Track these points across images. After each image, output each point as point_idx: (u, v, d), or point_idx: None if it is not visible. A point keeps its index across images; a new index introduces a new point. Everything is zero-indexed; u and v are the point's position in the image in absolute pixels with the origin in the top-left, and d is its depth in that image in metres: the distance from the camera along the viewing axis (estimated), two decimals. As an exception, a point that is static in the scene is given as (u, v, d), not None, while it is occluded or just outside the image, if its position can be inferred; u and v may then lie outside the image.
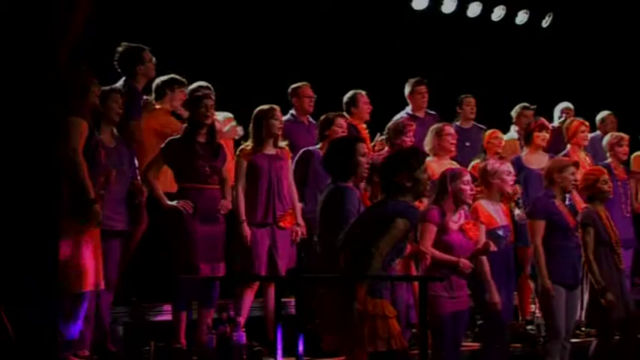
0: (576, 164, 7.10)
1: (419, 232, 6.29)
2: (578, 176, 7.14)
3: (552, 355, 6.75)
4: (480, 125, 9.18)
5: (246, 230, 6.88)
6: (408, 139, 7.47)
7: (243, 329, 6.62)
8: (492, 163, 6.90)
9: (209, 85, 7.31)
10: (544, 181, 7.03)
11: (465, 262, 6.26)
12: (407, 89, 8.86)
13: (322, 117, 7.43)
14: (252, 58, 9.11)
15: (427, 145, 7.78)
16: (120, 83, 6.92)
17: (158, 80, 7.39)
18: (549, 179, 6.94)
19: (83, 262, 5.89)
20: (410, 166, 5.28)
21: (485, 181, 6.79)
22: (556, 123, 9.25)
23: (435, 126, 7.90)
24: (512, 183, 6.84)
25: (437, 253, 6.22)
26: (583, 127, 8.53)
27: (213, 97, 6.94)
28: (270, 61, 9.16)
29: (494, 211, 6.70)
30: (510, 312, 7.04)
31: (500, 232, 6.64)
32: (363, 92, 8.39)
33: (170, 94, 7.37)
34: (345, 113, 8.07)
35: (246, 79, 8.44)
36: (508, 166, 6.86)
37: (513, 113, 9.19)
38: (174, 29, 8.63)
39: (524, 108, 9.13)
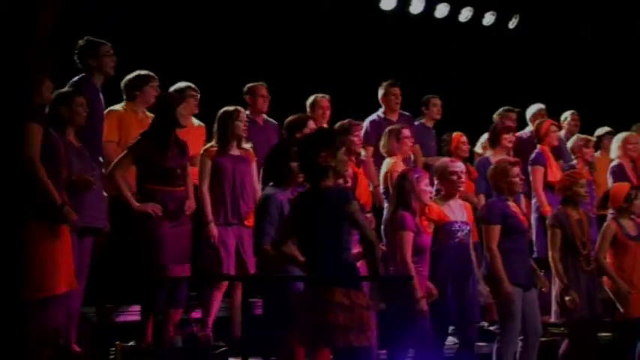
0: (518, 163, 7.00)
1: (397, 242, 6.22)
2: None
3: (505, 356, 6.71)
4: None
5: (214, 230, 6.86)
6: (357, 139, 7.27)
7: (210, 329, 6.60)
8: (443, 161, 6.86)
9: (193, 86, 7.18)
10: (491, 185, 6.96)
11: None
12: (380, 91, 8.81)
13: (293, 117, 7.16)
14: (213, 59, 9.03)
15: (384, 146, 7.82)
16: (76, 79, 6.76)
17: (124, 80, 7.25)
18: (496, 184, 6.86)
19: (56, 264, 5.68)
20: (333, 146, 5.16)
21: (441, 177, 6.70)
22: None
23: (390, 128, 7.90)
24: (460, 183, 6.68)
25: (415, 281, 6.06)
26: (553, 127, 8.56)
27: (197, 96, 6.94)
28: (234, 63, 9.09)
29: (447, 207, 6.58)
30: (474, 311, 6.92)
31: (453, 227, 6.53)
32: (326, 96, 8.31)
33: (140, 94, 7.20)
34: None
35: (207, 81, 8.34)
36: (457, 167, 6.72)
37: (496, 116, 9.11)
38: (154, 31, 8.60)
39: (508, 111, 9.07)
